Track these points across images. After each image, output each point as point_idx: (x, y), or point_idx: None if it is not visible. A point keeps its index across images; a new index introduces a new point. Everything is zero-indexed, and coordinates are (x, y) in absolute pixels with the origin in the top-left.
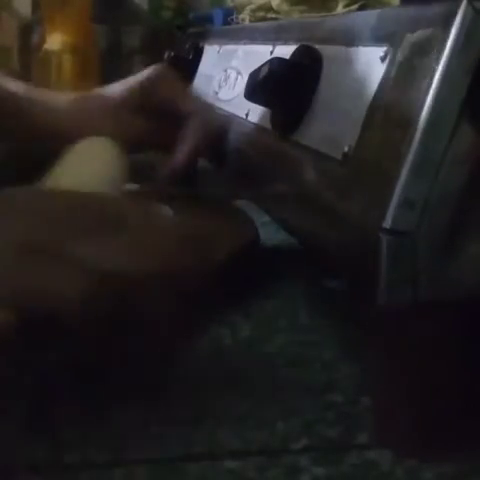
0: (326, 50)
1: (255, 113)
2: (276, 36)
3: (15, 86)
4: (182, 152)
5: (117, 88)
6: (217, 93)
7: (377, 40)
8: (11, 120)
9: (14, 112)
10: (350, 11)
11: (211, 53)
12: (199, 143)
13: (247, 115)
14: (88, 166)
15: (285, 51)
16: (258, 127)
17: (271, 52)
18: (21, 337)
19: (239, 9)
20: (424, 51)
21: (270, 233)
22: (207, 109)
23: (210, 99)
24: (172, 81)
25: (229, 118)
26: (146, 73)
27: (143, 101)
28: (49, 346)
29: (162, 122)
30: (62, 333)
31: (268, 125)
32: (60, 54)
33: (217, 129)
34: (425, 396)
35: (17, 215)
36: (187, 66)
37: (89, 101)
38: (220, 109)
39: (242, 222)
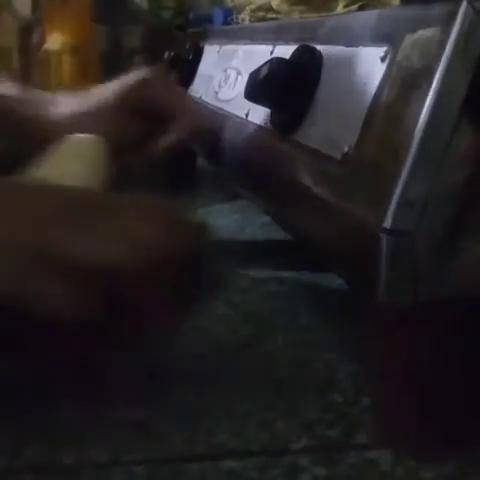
0: (326, 50)
1: (255, 113)
2: (276, 36)
3: (6, 87)
4: (164, 142)
5: (108, 88)
6: (217, 93)
7: (377, 40)
8: (0, 120)
9: (4, 112)
10: (350, 11)
11: (211, 53)
12: (183, 136)
13: (247, 115)
14: (69, 164)
15: (285, 51)
16: (258, 127)
17: (271, 52)
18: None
19: (239, 9)
20: (424, 51)
21: (270, 233)
22: (198, 110)
23: (210, 99)
24: (163, 82)
25: (224, 118)
26: (138, 74)
27: (134, 102)
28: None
29: (153, 123)
30: (56, 332)
31: (268, 125)
32: (60, 54)
33: (206, 127)
34: (425, 396)
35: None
36: (187, 66)
37: (80, 102)
38: (220, 109)
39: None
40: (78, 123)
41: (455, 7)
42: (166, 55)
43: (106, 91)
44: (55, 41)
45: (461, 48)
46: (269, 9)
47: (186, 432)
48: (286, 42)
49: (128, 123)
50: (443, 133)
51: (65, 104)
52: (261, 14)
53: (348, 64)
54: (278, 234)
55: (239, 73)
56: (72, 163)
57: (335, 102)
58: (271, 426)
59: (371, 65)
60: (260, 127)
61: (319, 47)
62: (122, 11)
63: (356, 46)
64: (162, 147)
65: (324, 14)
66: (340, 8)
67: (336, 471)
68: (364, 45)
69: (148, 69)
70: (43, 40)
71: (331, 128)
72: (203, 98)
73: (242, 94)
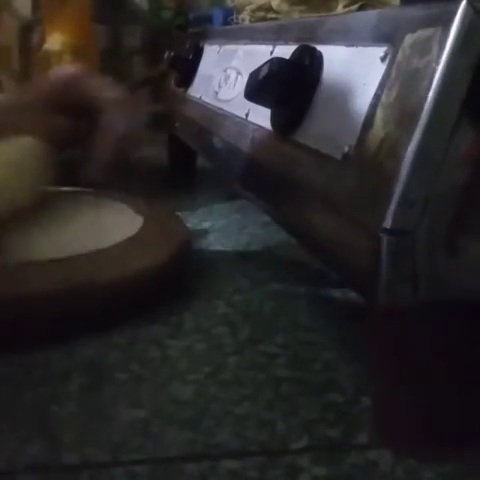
0: (326, 50)
1: (255, 113)
2: (276, 36)
3: None
4: (103, 148)
5: (36, 86)
6: (217, 93)
7: (377, 40)
8: None
9: None
10: (350, 11)
11: (211, 53)
12: (118, 136)
13: (247, 115)
14: (6, 168)
15: (285, 51)
16: (258, 127)
17: (271, 52)
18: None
19: (239, 9)
20: (424, 51)
21: (270, 233)
22: (128, 103)
23: (210, 99)
24: (91, 78)
25: (224, 118)
26: (64, 71)
27: (62, 99)
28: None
29: (82, 120)
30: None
31: (268, 125)
32: (60, 54)
33: (137, 123)
34: (425, 396)
35: None
36: (187, 66)
37: (7, 101)
38: (220, 109)
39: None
40: (7, 122)
41: (455, 7)
42: (166, 55)
43: (33, 89)
44: (55, 41)
45: (461, 48)
46: (269, 9)
47: (186, 432)
48: (286, 42)
49: (55, 120)
50: (443, 133)
51: None
52: (261, 14)
53: (348, 64)
54: (278, 234)
55: (239, 73)
56: (6, 168)
57: (335, 102)
58: (271, 426)
59: (371, 65)
60: (260, 127)
61: (319, 47)
62: (122, 11)
63: (356, 46)
64: (104, 154)
65: (324, 14)
66: (340, 8)
67: (336, 471)
68: (364, 45)
69: (74, 67)
70: (43, 40)
71: (331, 128)
72: (203, 98)
73: (242, 94)
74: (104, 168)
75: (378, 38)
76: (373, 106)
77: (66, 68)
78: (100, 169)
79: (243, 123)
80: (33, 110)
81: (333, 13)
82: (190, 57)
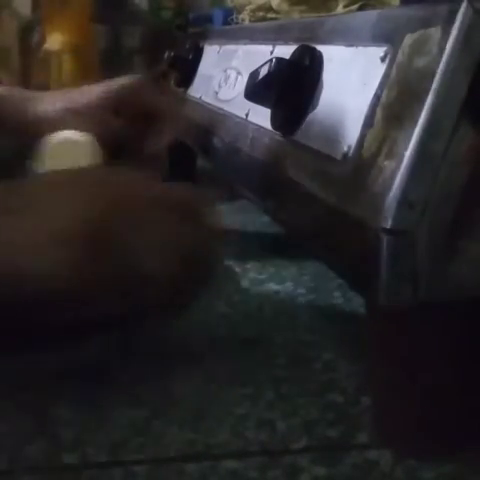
0: (326, 50)
1: (255, 113)
2: (276, 36)
3: None
4: (158, 140)
5: (95, 89)
6: (217, 93)
7: (377, 40)
8: None
9: None
10: (350, 11)
11: (211, 53)
12: (173, 135)
13: (247, 115)
14: (62, 162)
15: (285, 51)
16: (258, 127)
17: (271, 52)
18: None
19: (239, 9)
20: (424, 51)
21: (270, 234)
22: (183, 114)
23: (210, 99)
24: (151, 87)
25: (224, 118)
26: (127, 78)
27: (120, 104)
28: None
29: (139, 126)
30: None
31: (268, 125)
32: (60, 54)
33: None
34: (425, 396)
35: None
36: (187, 66)
37: (65, 99)
38: (220, 109)
39: None
40: (62, 120)
41: (455, 7)
42: (166, 55)
43: (92, 91)
44: (55, 41)
45: (461, 48)
46: (269, 9)
47: (186, 432)
48: (286, 42)
49: (114, 124)
50: (443, 133)
51: (49, 101)
52: (261, 14)
53: (348, 64)
54: (278, 234)
55: (239, 73)
56: (65, 162)
57: (335, 102)
58: (271, 426)
59: (371, 65)
60: (260, 127)
61: (319, 47)
62: (122, 11)
63: (356, 46)
64: (157, 146)
65: (324, 14)
66: (340, 8)
67: (336, 471)
68: (364, 45)
69: (139, 76)
70: (43, 40)
71: (331, 128)
72: (203, 98)
73: (242, 94)
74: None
75: (378, 38)
76: (373, 106)
77: (130, 76)
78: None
79: (243, 123)
80: (95, 110)
81: (333, 13)
82: (190, 57)
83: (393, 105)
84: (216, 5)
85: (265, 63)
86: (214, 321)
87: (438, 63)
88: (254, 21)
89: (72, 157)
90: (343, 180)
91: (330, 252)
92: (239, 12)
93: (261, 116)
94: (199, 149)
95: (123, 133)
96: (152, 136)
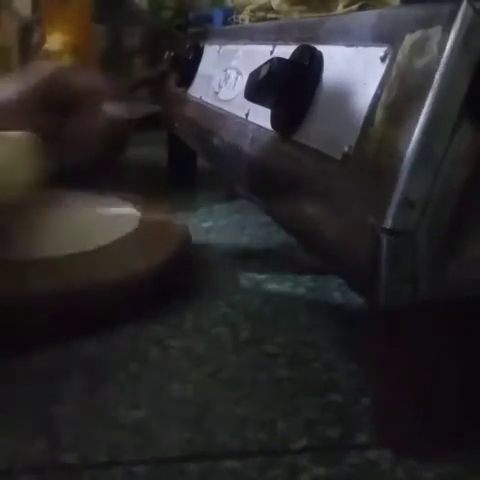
0: (326, 50)
1: (255, 113)
2: (276, 36)
3: None
4: (77, 144)
5: (11, 86)
6: (217, 93)
7: (377, 40)
8: None
9: None
10: (350, 11)
11: (211, 53)
12: (92, 132)
13: (247, 115)
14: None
15: (285, 51)
16: (258, 127)
17: (271, 52)
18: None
19: (239, 9)
20: (424, 51)
21: (270, 233)
22: (111, 97)
23: (210, 99)
24: (77, 73)
25: (224, 118)
26: (48, 68)
27: (45, 96)
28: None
29: (65, 117)
30: None
31: (268, 125)
32: (60, 54)
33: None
34: (425, 396)
35: None
36: (187, 66)
37: None
38: (220, 109)
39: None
40: None
41: (455, 7)
42: (166, 55)
43: (8, 88)
44: (55, 41)
45: (461, 48)
46: (269, 9)
47: (186, 432)
48: (286, 42)
49: (37, 117)
50: (443, 133)
51: None
52: (261, 14)
53: (348, 64)
54: (278, 234)
55: (239, 73)
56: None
57: (335, 102)
58: (271, 426)
59: (371, 65)
60: (260, 127)
61: (319, 47)
62: (122, 11)
63: (356, 46)
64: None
65: (324, 14)
66: (340, 8)
67: (336, 471)
68: (364, 45)
69: (58, 65)
70: (43, 40)
71: (331, 128)
72: (203, 98)
73: (242, 94)
74: (82, 164)
75: (378, 38)
76: (373, 106)
77: (49, 63)
78: (77, 165)
79: (243, 123)
80: (19, 107)
81: (333, 13)
82: (190, 57)
83: (393, 105)
84: (216, 5)
85: (265, 63)
86: (214, 321)
87: (438, 63)
88: (254, 21)
89: (8, 156)
90: (343, 180)
91: (330, 252)
92: (239, 12)
93: (261, 116)
94: (199, 149)
95: (51, 124)
96: (77, 121)
